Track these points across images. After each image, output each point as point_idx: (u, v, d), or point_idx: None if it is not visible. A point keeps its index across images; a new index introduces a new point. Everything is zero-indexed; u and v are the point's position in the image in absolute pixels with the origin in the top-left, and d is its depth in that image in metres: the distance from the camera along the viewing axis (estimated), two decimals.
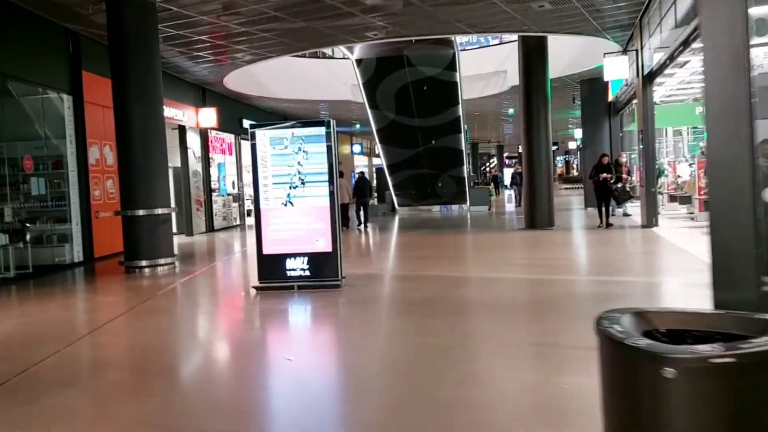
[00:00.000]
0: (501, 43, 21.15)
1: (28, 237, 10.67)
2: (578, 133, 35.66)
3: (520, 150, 54.00)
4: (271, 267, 7.83)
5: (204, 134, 18.22)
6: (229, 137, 20.27)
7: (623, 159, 15.97)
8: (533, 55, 14.44)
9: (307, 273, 7.77)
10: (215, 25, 12.05)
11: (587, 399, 3.59)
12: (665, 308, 2.90)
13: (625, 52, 15.27)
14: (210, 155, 18.51)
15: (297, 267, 7.79)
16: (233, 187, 20.28)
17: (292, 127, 7.85)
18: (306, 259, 7.77)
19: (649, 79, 13.44)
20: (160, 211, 10.33)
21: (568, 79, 21.07)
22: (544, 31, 14.08)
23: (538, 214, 14.47)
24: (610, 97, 19.74)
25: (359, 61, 19.10)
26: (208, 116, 17.85)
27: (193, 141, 17.74)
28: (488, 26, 13.68)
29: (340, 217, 7.90)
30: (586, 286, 7.65)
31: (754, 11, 2.88)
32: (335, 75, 21.30)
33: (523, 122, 14.67)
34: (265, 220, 7.83)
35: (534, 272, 8.81)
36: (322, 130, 7.71)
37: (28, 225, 11.01)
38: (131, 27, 10.25)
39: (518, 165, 27.08)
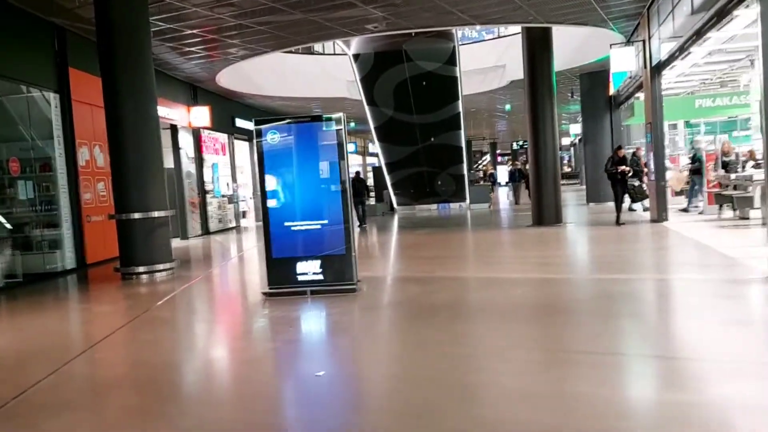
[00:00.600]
0: (499, 37, 20.76)
1: (9, 244, 10.09)
2: (573, 128, 35.41)
3: (527, 145, 53.84)
4: (281, 271, 7.32)
5: (196, 134, 17.65)
6: (222, 137, 19.71)
7: (642, 152, 15.43)
8: (538, 47, 14.02)
9: (320, 277, 7.27)
10: (209, 18, 11.51)
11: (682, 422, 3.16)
12: None
13: (628, 43, 14.87)
14: (203, 155, 17.93)
15: (309, 271, 7.28)
16: (228, 188, 19.72)
17: (299, 122, 7.35)
18: (319, 262, 7.26)
19: (657, 70, 13.06)
20: (156, 213, 9.79)
21: (567, 73, 20.71)
22: (549, 22, 13.65)
23: (546, 211, 14.05)
24: (612, 91, 19.35)
25: (357, 56, 18.61)
26: (201, 115, 17.27)
27: (186, 141, 17.17)
28: (492, 17, 13.22)
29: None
30: (613, 285, 7.20)
31: None
32: (329, 72, 20.81)
33: (529, 116, 14.24)
34: (273, 221, 7.31)
35: (552, 271, 8.36)
36: (331, 124, 7.21)
37: (12, 230, 10.41)
38: (121, 20, 9.69)
39: (517, 162, 26.66)
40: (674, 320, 5.56)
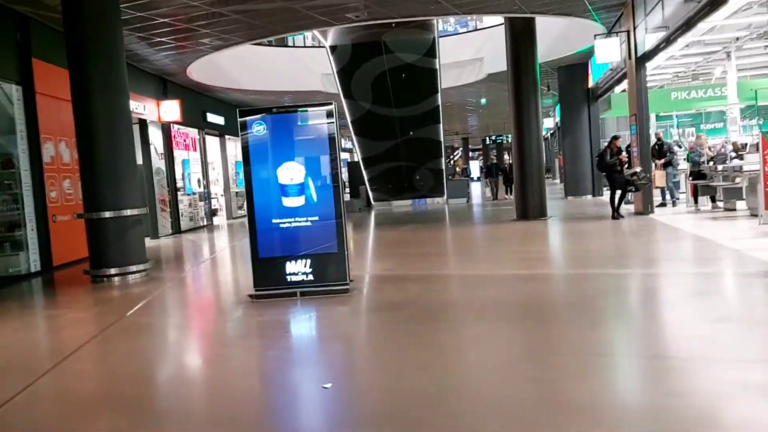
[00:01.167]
0: (476, 30, 20.45)
1: None
2: (546, 122, 35.36)
3: (501, 139, 53.60)
4: (268, 272, 6.83)
5: (167, 129, 16.96)
6: (193, 132, 19.03)
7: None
8: (521, 39, 13.68)
9: (311, 277, 6.80)
10: (181, 6, 10.91)
11: None
12: None
13: (609, 34, 14.65)
14: (173, 151, 17.24)
15: (299, 271, 6.81)
16: (199, 186, 19.06)
17: (288, 111, 6.87)
18: (309, 261, 6.80)
19: (642, 61, 12.87)
20: (129, 212, 9.19)
21: (544, 66, 20.49)
22: (533, 12, 13.34)
23: (531, 205, 13.76)
24: (590, 83, 19.21)
25: (334, 48, 18.09)
26: (171, 109, 16.59)
27: (155, 136, 16.48)
28: (476, 7, 12.87)
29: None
30: (624, 280, 6.90)
31: None
32: (304, 64, 20.26)
33: (513, 109, 13.93)
34: (260, 218, 6.82)
35: (553, 267, 8.05)
36: (322, 111, 6.75)
37: None
38: (90, 8, 9.06)
39: (494, 156, 26.39)
40: (711, 319, 5.22)
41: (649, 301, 6.03)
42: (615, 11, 13.97)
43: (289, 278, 6.81)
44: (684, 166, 13.85)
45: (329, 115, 6.69)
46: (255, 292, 6.82)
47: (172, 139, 17.20)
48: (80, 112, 9.15)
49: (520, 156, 13.89)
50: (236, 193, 22.89)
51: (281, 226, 6.81)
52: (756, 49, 19.78)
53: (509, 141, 53.17)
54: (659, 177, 14.22)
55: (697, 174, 12.97)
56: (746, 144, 15.82)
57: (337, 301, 6.51)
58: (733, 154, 13.76)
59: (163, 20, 11.67)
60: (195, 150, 19.18)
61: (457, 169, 40.83)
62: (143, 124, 15.67)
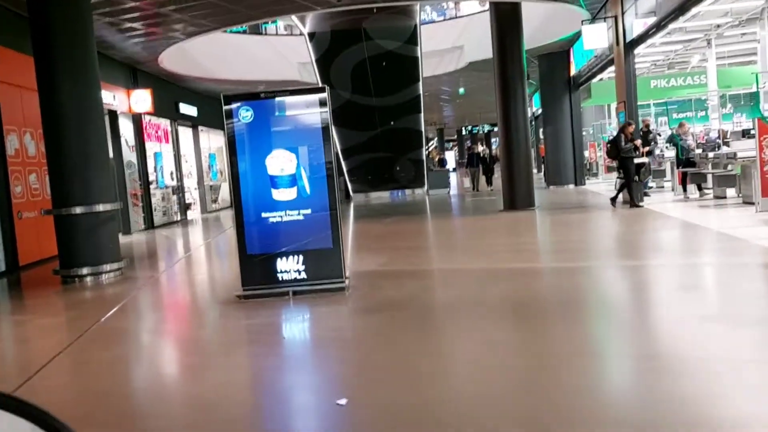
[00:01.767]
0: (456, 17, 20.02)
1: None
2: None
3: (476, 130, 53.11)
4: (257, 269, 6.33)
5: (138, 120, 16.23)
6: (165, 123, 18.30)
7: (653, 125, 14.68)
8: (508, 25, 13.28)
9: (304, 275, 6.32)
10: None
11: None
12: None
13: (595, 19, 14.37)
14: (145, 143, 16.53)
15: (291, 268, 6.32)
16: (172, 179, 18.36)
17: (276, 95, 6.36)
18: (301, 257, 6.31)
19: (630, 47, 12.60)
20: (101, 207, 8.59)
21: (526, 54, 20.18)
22: None
23: (518, 194, 13.42)
24: (573, 71, 18.95)
25: (312, 35, 17.49)
26: (143, 99, 15.85)
27: (126, 128, 15.76)
28: None
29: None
30: (640, 272, 6.56)
31: None
32: (279, 53, 19.63)
33: (499, 97, 13.55)
34: (248, 211, 6.31)
35: (559, 259, 7.65)
36: (315, 98, 6.27)
37: None
38: None
39: (474, 146, 26.02)
40: (746, 314, 4.88)
41: (674, 294, 5.68)
42: None
43: (280, 276, 6.32)
44: (670, 154, 13.61)
45: (322, 100, 6.21)
46: (243, 291, 6.31)
47: (144, 130, 16.49)
48: (47, 102, 8.52)
49: (507, 145, 13.54)
50: (210, 186, 22.24)
51: (271, 220, 6.32)
52: (733, 37, 19.75)
53: (485, 131, 53.12)
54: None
55: (686, 162, 12.75)
56: (727, 131, 15.71)
57: (333, 301, 6.05)
58: (720, 142, 13.60)
59: (133, 4, 11.02)
60: (167, 142, 18.48)
61: (434, 159, 40.42)
62: (113, 115, 14.95)
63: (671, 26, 12.74)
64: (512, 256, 8.17)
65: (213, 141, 23.40)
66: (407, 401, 3.43)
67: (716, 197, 12.16)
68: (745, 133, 14.13)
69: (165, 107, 17.95)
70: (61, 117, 8.47)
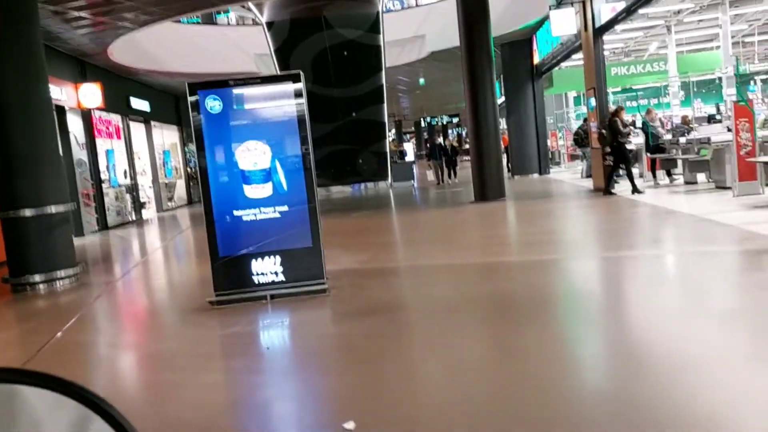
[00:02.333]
0: (417, 6, 19.64)
1: None
2: None
3: (435, 121, 52.73)
4: (230, 272, 5.83)
5: (87, 116, 15.37)
6: (117, 119, 17.43)
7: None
8: (475, 11, 12.95)
9: (282, 277, 5.86)
10: None
11: None
12: None
13: (561, 4, 14.16)
14: (96, 140, 15.67)
15: (267, 270, 5.85)
16: (125, 177, 17.52)
17: (247, 84, 5.87)
18: (279, 258, 5.84)
19: (599, 33, 12.41)
20: (54, 209, 7.93)
21: None
22: None
23: (489, 185, 13.14)
24: (537, 60, 18.78)
25: (270, 24, 16.85)
26: (92, 93, 14.97)
27: (75, 124, 14.89)
28: None
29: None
30: (643, 263, 6.31)
31: None
32: (235, 44, 18.94)
33: (467, 85, 13.23)
34: (218, 209, 5.80)
35: (547, 251, 7.31)
36: (289, 87, 5.80)
37: None
38: None
39: (437, 137, 25.67)
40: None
41: (680, 284, 5.42)
42: None
43: (256, 279, 5.85)
44: (638, 140, 13.52)
45: (297, 87, 5.75)
46: (216, 297, 5.81)
47: (94, 126, 15.63)
48: None
49: (477, 134, 13.24)
50: (165, 184, 21.41)
51: (244, 218, 5.83)
52: (690, 23, 19.94)
53: (443, 123, 53.00)
54: None
55: (654, 148, 12.66)
56: (689, 117, 15.79)
57: (316, 304, 5.61)
58: (688, 127, 13.59)
59: None
60: (119, 138, 17.62)
61: (395, 151, 40.07)
62: (61, 110, 14.07)
63: (642, 11, 12.65)
64: (497, 249, 7.84)
65: (167, 137, 22.55)
66: (427, 420, 3.03)
67: (687, 183, 12.11)
68: (711, 119, 14.21)
69: (116, 102, 17.09)
70: (5, 113, 7.80)
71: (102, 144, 16.13)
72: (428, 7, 18.96)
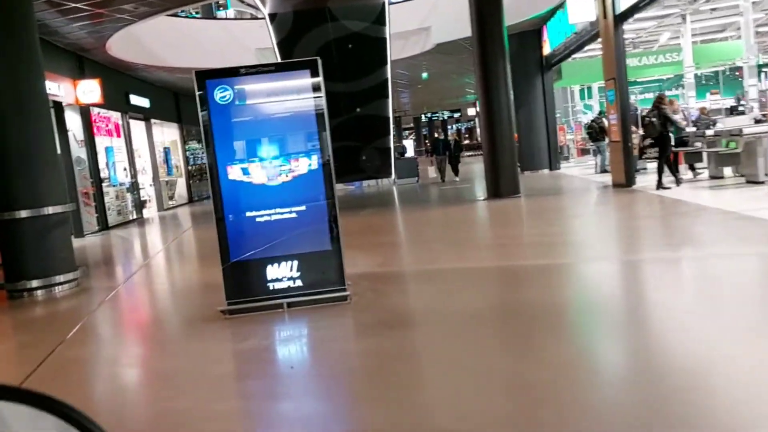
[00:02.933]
0: None
1: None
2: None
3: (436, 117, 52.28)
4: (243, 278, 5.37)
5: (86, 113, 14.88)
6: (116, 116, 16.95)
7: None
8: (487, 1, 12.45)
9: (299, 283, 5.39)
10: None
11: None
12: None
13: None
14: (95, 138, 15.19)
15: (284, 275, 5.37)
16: (125, 175, 17.05)
17: (259, 73, 5.40)
18: (296, 262, 5.37)
19: (620, 20, 11.91)
20: (51, 209, 7.46)
21: None
22: None
23: (503, 181, 12.66)
24: (547, 51, 18.27)
25: (273, 17, 16.33)
26: (91, 90, 14.48)
27: (73, 121, 14.42)
28: None
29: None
30: (694, 265, 5.85)
31: None
32: (236, 38, 18.43)
33: (479, 79, 12.74)
34: (230, 210, 5.33)
35: (572, 255, 6.87)
36: (306, 76, 5.34)
37: None
38: None
39: (441, 132, 25.14)
40: None
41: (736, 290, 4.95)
42: None
43: (271, 286, 5.38)
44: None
45: (314, 74, 5.29)
46: (228, 306, 5.34)
47: (93, 123, 15.15)
48: None
49: (490, 128, 12.75)
50: (166, 182, 20.96)
51: (258, 219, 5.36)
52: (704, 12, 19.44)
53: (444, 119, 52.46)
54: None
55: (678, 141, 12.16)
56: (707, 109, 15.31)
57: (337, 314, 5.13)
58: (714, 119, 13.11)
59: None
60: (119, 136, 17.14)
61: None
62: (59, 107, 13.60)
63: None
64: (521, 251, 7.35)
65: (167, 134, 22.09)
66: None
67: (712, 177, 11.62)
68: (733, 110, 13.71)
69: (115, 98, 16.61)
70: (0, 109, 7.33)
71: (101, 141, 15.66)
72: None
